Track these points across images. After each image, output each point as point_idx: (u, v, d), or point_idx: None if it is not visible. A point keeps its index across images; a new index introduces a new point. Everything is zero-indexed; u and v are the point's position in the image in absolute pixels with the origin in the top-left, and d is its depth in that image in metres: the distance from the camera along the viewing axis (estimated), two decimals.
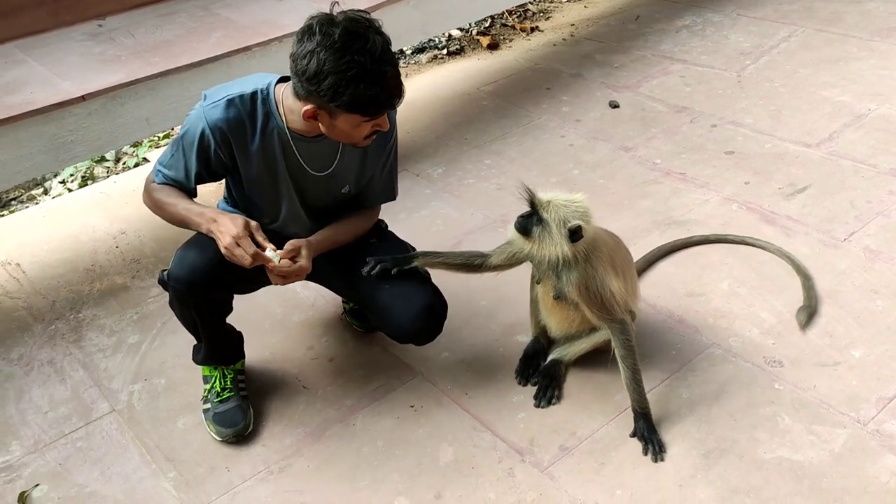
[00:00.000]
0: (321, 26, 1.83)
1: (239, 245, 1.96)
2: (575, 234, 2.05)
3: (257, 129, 2.06)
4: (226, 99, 2.03)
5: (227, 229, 1.97)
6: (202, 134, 2.03)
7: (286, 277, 2.09)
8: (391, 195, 2.38)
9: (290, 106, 2.02)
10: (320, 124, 1.97)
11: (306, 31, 1.85)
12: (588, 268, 2.11)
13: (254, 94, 2.05)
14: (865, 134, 3.51)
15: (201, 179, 2.14)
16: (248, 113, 2.04)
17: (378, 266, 2.19)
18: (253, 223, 2.01)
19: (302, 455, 2.24)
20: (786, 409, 2.24)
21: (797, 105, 3.81)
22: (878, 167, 3.27)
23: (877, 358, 2.37)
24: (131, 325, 2.76)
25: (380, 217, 2.48)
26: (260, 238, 2.01)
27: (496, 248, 2.28)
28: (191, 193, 2.16)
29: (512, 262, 2.26)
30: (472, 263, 2.30)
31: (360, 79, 1.82)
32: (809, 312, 2.52)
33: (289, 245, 2.09)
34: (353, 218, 2.31)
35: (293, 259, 2.09)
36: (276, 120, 2.06)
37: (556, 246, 2.07)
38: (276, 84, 2.06)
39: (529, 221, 2.10)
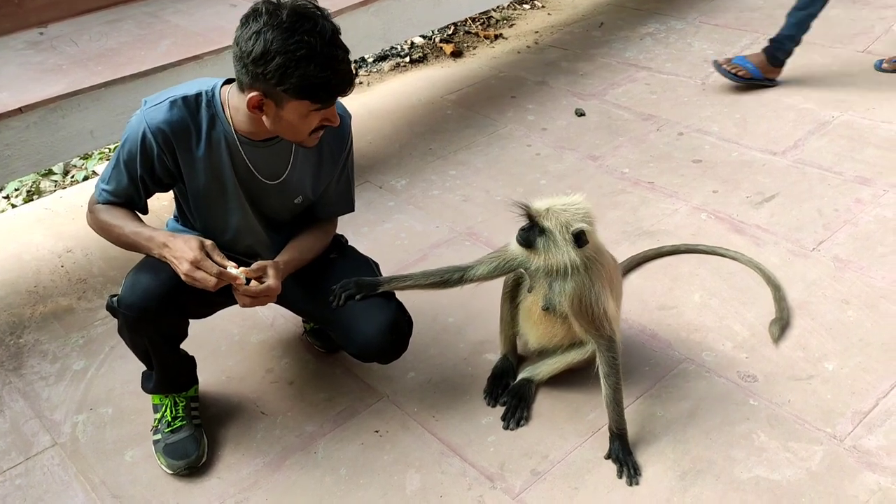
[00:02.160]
0: (267, 7, 1.73)
1: (199, 268, 1.83)
2: (580, 239, 1.97)
3: (202, 132, 1.93)
4: (168, 100, 1.90)
5: (183, 254, 1.85)
6: (143, 138, 1.90)
7: (255, 298, 1.95)
8: (349, 206, 2.26)
9: (235, 105, 1.90)
10: (265, 116, 1.84)
11: (251, 14, 1.75)
12: (586, 279, 2.02)
13: (198, 95, 1.92)
14: (830, 141, 3.51)
15: (148, 190, 2.00)
16: (193, 115, 1.91)
17: (343, 296, 2.08)
18: (208, 242, 1.89)
19: (260, 487, 2.11)
20: (761, 425, 2.18)
21: (762, 112, 3.80)
22: (844, 175, 3.26)
23: (850, 371, 2.33)
24: (76, 350, 2.61)
25: (340, 232, 2.37)
26: (217, 257, 1.89)
27: (482, 259, 2.18)
28: (140, 209, 2.03)
29: (502, 272, 2.17)
30: (447, 280, 2.19)
31: (309, 59, 1.71)
32: (782, 325, 2.48)
33: (255, 265, 1.97)
34: (312, 233, 2.19)
35: (259, 280, 1.96)
36: (222, 122, 1.93)
37: (562, 254, 1.97)
38: (221, 86, 1.94)
39: (531, 233, 2.00)
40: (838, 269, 2.74)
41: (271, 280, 1.96)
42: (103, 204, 2.01)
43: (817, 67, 4.17)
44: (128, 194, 1.99)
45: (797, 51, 3.94)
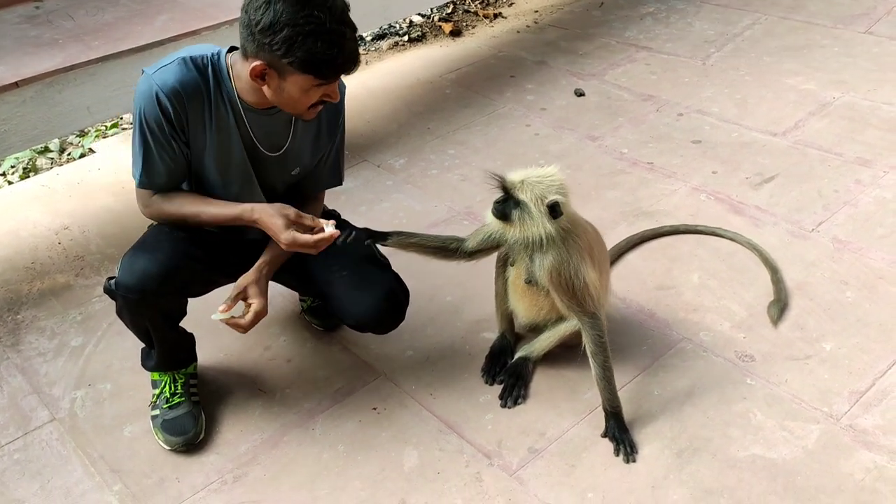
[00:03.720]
0: None
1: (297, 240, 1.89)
2: (554, 210, 1.96)
3: (211, 94, 1.90)
4: (176, 60, 1.86)
5: (276, 229, 1.90)
6: (158, 101, 1.84)
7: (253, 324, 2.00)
8: (338, 179, 2.24)
9: (238, 72, 1.88)
10: (266, 87, 1.82)
11: None
12: (563, 252, 2.02)
13: (203, 57, 1.89)
14: (831, 122, 3.49)
15: (182, 154, 1.94)
16: (202, 76, 1.88)
17: (353, 233, 2.06)
18: (291, 212, 1.92)
19: (258, 463, 2.12)
20: (758, 405, 2.19)
21: (762, 93, 3.78)
22: (844, 156, 3.25)
23: (848, 351, 2.34)
24: (74, 326, 2.60)
25: (336, 210, 2.36)
26: (308, 222, 1.94)
27: (473, 233, 2.18)
28: (185, 178, 2.02)
29: (488, 245, 2.16)
30: (447, 247, 2.20)
31: (317, 35, 1.69)
32: (780, 307, 2.48)
33: (233, 291, 1.99)
34: None
35: (245, 300, 1.99)
36: (227, 88, 1.90)
37: (537, 226, 1.97)
38: (226, 53, 1.92)
39: (506, 206, 2.00)
40: (837, 249, 2.74)
41: (256, 302, 1.98)
42: (146, 190, 1.98)
43: (818, 49, 4.15)
44: (165, 169, 1.94)
45: (798, 31, 3.91)
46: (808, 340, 2.39)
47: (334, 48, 1.73)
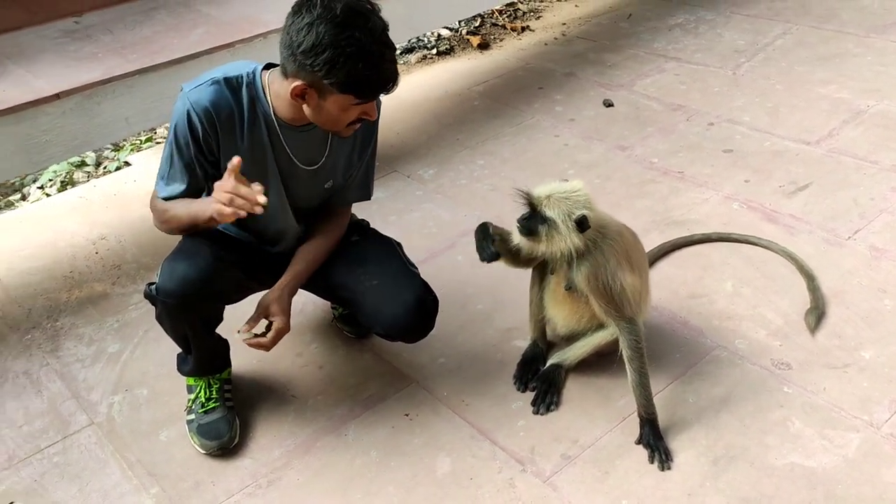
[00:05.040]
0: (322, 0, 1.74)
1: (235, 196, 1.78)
2: (582, 225, 1.96)
3: (245, 113, 1.94)
4: (209, 80, 1.91)
5: (218, 197, 1.81)
6: (189, 119, 1.90)
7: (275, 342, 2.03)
8: (367, 193, 2.25)
9: (276, 90, 1.91)
10: (306, 105, 1.85)
11: (304, 4, 1.76)
12: (599, 257, 2.02)
13: (238, 76, 1.94)
14: (865, 130, 3.45)
15: (206, 172, 1.98)
16: (235, 96, 1.92)
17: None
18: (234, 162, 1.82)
19: (291, 468, 2.13)
20: (796, 413, 2.15)
21: (795, 102, 3.75)
22: (880, 164, 3.20)
23: (887, 359, 2.29)
24: (111, 333, 2.64)
25: (366, 220, 2.38)
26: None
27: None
28: (203, 192, 2.04)
29: (521, 261, 2.16)
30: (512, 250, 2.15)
31: (358, 56, 1.73)
32: (818, 314, 2.44)
33: (256, 310, 2.03)
34: (323, 233, 2.18)
35: (268, 318, 2.02)
36: (263, 105, 1.95)
37: (565, 241, 1.97)
38: (262, 70, 1.96)
39: (533, 222, 2.00)
40: (874, 257, 2.70)
41: (278, 320, 2.01)
42: (165, 199, 2.01)
43: (851, 58, 4.11)
44: (187, 184, 1.98)
45: (830, 41, 3.88)
46: (846, 349, 2.35)
47: (374, 69, 1.76)
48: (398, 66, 1.84)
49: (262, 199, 1.76)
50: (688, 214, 3.03)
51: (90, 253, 3.07)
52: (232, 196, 1.78)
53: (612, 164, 3.41)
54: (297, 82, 1.80)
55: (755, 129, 3.56)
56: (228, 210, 1.79)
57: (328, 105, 1.83)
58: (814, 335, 2.40)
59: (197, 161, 1.96)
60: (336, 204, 2.21)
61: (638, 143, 3.55)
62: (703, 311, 2.55)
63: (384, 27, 1.79)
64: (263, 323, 2.06)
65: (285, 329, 2.04)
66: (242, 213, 1.79)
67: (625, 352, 2.07)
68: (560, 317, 2.25)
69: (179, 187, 1.98)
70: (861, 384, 2.22)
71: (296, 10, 1.77)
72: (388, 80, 1.81)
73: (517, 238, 2.07)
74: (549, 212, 1.97)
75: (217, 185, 1.83)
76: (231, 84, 1.92)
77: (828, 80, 3.90)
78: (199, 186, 2.01)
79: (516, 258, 2.18)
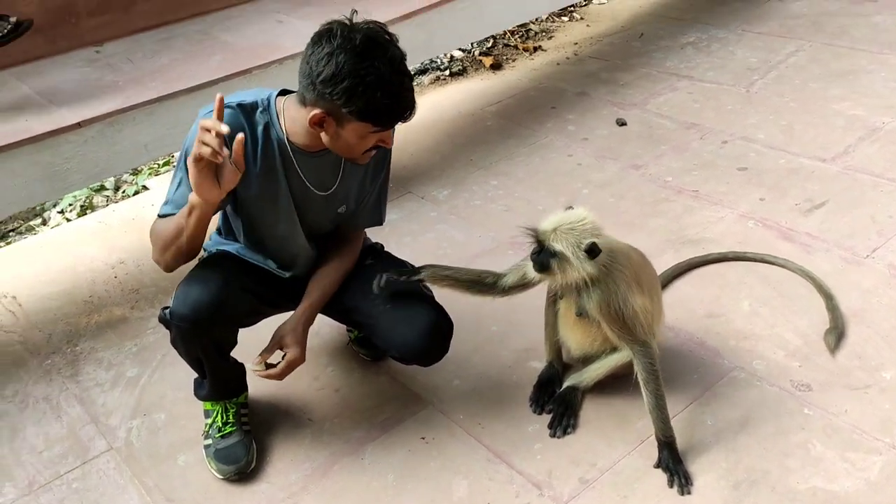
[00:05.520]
0: (342, 29, 1.77)
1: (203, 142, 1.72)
2: (593, 252, 1.97)
3: (258, 140, 1.96)
4: (226, 106, 1.93)
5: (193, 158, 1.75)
6: None
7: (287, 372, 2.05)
8: (378, 218, 2.27)
9: (292, 116, 1.94)
10: (323, 133, 1.87)
11: (325, 34, 1.78)
12: (610, 283, 2.01)
13: (254, 103, 1.96)
14: (881, 147, 3.43)
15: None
16: (249, 122, 1.95)
17: (385, 277, 2.09)
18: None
19: (308, 492, 2.13)
20: (817, 435, 2.13)
21: (809, 119, 3.74)
22: None
23: None
24: (130, 357, 2.67)
25: (380, 242, 2.39)
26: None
27: (511, 268, 2.19)
28: None
29: (526, 283, 2.17)
30: (482, 281, 2.20)
31: (377, 86, 1.75)
32: (838, 334, 2.42)
33: (271, 341, 2.06)
34: (338, 257, 2.20)
35: (282, 350, 2.05)
36: (276, 131, 1.97)
37: (578, 271, 1.98)
38: (276, 96, 1.98)
39: (544, 256, 2.01)
40: (893, 276, 2.67)
41: (291, 351, 2.04)
42: (160, 217, 2.00)
43: (865, 74, 4.09)
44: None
45: (844, 58, 3.87)
46: (866, 369, 2.32)
47: (393, 98, 1.79)
48: (415, 96, 1.86)
49: (225, 128, 1.69)
50: (703, 233, 3.02)
51: (109, 277, 3.11)
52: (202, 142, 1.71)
53: (625, 183, 3.41)
54: (316, 110, 1.82)
55: (770, 147, 3.55)
56: (202, 151, 1.72)
57: (346, 133, 1.85)
58: (834, 355, 2.38)
59: None
60: (348, 229, 2.23)
61: (651, 162, 3.55)
62: (721, 331, 2.53)
63: (402, 56, 1.81)
64: (279, 354, 2.08)
65: (299, 360, 2.07)
66: (207, 153, 1.71)
67: (640, 375, 2.06)
68: (573, 340, 2.25)
69: (180, 205, 1.97)
70: (882, 405, 2.19)
71: (315, 41, 1.80)
72: (406, 109, 1.83)
73: (531, 274, 2.08)
74: (558, 245, 1.97)
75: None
76: (245, 109, 1.95)
77: (842, 96, 3.89)
78: None
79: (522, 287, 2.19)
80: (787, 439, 2.12)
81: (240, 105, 1.95)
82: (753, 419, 2.19)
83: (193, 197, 1.83)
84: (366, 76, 1.74)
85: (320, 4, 3.49)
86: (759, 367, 2.37)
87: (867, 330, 2.46)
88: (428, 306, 2.15)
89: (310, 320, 2.14)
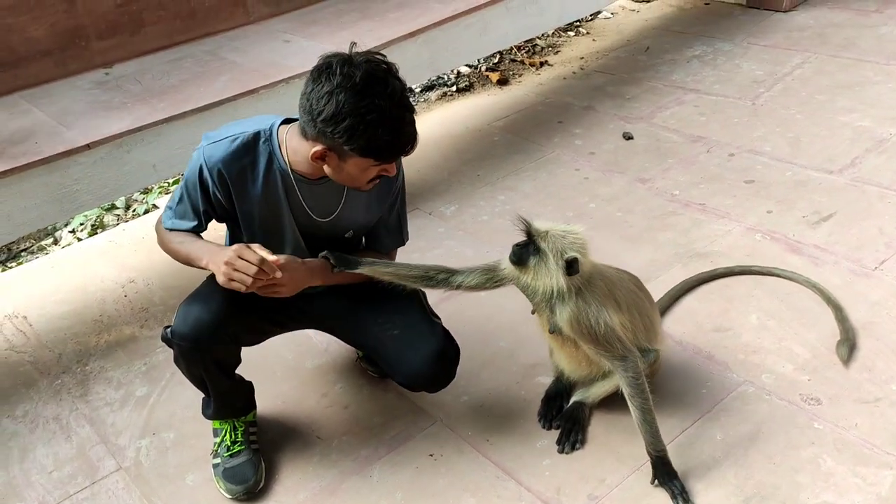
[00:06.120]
0: (341, 66, 1.77)
1: (240, 258, 1.86)
2: (571, 267, 1.95)
3: (259, 170, 1.99)
4: (227, 138, 1.97)
5: (220, 257, 1.90)
6: (200, 173, 1.97)
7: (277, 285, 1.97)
8: (400, 239, 2.29)
9: (294, 147, 1.96)
10: (326, 166, 1.90)
11: (324, 70, 1.78)
12: (580, 303, 1.99)
13: (256, 134, 1.99)
14: (889, 158, 3.42)
15: (210, 218, 2.08)
16: (250, 153, 1.97)
17: (328, 253, 2.06)
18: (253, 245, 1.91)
19: None
20: (827, 450, 2.11)
21: (816, 131, 3.73)
22: None
23: None
24: (139, 376, 2.68)
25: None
26: (259, 251, 1.90)
27: (472, 268, 2.11)
28: (203, 231, 2.10)
29: (492, 285, 2.11)
30: (432, 278, 2.10)
31: (378, 123, 1.76)
32: (850, 346, 2.40)
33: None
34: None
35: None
36: (278, 161, 1.99)
37: (551, 277, 1.96)
38: (279, 125, 2.00)
39: (525, 251, 2.00)
40: None
41: (283, 258, 1.96)
42: (169, 230, 2.07)
43: (871, 86, 4.09)
44: (192, 225, 2.05)
45: (850, 69, 3.87)
46: (877, 382, 2.30)
47: (394, 133, 1.80)
48: (416, 129, 1.85)
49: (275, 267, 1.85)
50: (710, 246, 3.01)
51: (119, 296, 3.13)
52: (230, 270, 1.87)
53: (633, 197, 3.41)
54: (318, 147, 1.84)
55: (777, 159, 3.55)
56: (223, 280, 1.89)
57: (348, 167, 1.87)
58: (847, 367, 2.36)
59: (204, 210, 2.03)
60: (376, 251, 2.25)
61: (658, 176, 3.55)
62: (729, 344, 2.52)
63: (403, 88, 1.81)
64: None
65: (282, 283, 1.96)
66: (240, 287, 1.88)
67: (624, 390, 2.04)
68: (564, 364, 2.25)
69: (185, 224, 2.05)
70: (893, 419, 2.17)
71: (315, 77, 1.80)
72: (407, 143, 1.85)
73: (504, 263, 2.06)
74: (544, 244, 1.97)
75: (233, 248, 1.89)
76: (247, 140, 1.97)
77: (849, 108, 3.88)
78: (203, 228, 2.08)
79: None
80: (797, 454, 2.11)
81: (242, 136, 1.97)
82: (763, 434, 2.18)
83: (206, 263, 1.94)
84: (366, 114, 1.75)
85: (327, 24, 3.53)
86: (768, 381, 2.35)
87: (876, 343, 2.44)
88: (433, 332, 2.14)
89: (315, 273, 2.06)
